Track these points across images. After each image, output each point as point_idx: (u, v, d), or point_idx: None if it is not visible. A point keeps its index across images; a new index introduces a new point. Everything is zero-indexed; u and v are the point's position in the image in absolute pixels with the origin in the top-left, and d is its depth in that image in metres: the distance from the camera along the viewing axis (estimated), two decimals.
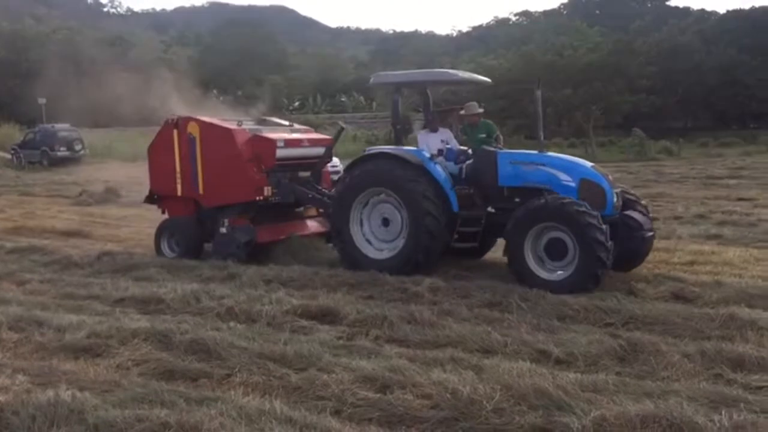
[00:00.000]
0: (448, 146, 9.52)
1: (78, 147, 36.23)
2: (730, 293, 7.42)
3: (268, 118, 12.07)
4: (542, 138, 9.07)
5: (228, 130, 10.23)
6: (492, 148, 9.15)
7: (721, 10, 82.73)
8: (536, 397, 4.65)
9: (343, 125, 10.94)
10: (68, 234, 13.46)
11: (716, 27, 57.03)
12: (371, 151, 9.64)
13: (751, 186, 19.54)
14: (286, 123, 11.66)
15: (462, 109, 9.93)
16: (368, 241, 9.30)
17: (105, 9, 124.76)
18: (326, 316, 7.04)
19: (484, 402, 4.60)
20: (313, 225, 11.07)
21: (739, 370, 5.32)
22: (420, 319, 6.73)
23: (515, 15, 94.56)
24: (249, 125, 10.77)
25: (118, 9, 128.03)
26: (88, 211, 17.44)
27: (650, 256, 9.73)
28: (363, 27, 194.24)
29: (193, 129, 10.40)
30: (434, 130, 9.79)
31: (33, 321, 6.75)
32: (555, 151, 9.97)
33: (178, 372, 5.54)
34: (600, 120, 41.42)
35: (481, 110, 9.74)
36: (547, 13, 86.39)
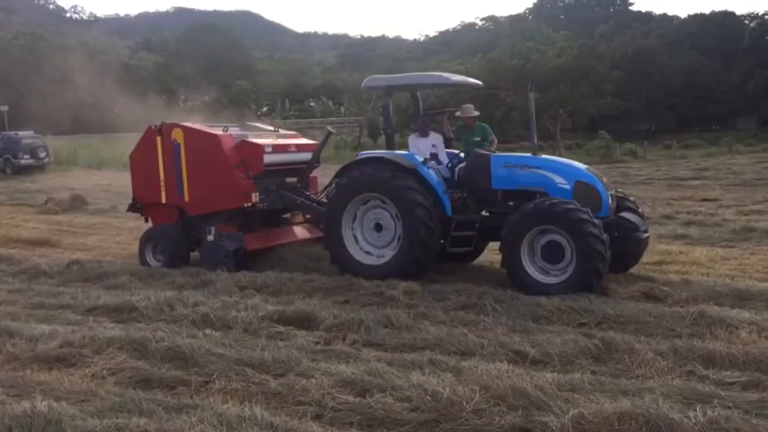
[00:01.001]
0: (434, 150, 9.49)
1: (42, 154, 35.60)
2: (699, 292, 7.57)
3: (252, 123, 11.99)
4: (535, 141, 9.04)
5: (214, 136, 10.10)
6: (485, 151, 9.08)
7: (683, 15, 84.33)
8: (515, 398, 4.71)
9: (332, 130, 10.83)
10: (35, 243, 13.22)
11: (678, 31, 58.32)
12: (363, 156, 9.51)
13: (714, 186, 19.97)
14: (272, 128, 11.55)
15: (457, 111, 9.83)
16: (360, 246, 9.14)
17: (67, 14, 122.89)
18: (303, 322, 7.01)
19: (464, 403, 4.65)
20: (300, 231, 10.95)
21: (710, 367, 5.43)
22: (396, 322, 6.76)
23: (481, 20, 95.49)
24: (235, 131, 10.63)
25: (81, 14, 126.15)
26: (54, 219, 17.15)
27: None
28: (330, 32, 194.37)
29: (177, 135, 10.24)
30: (425, 134, 9.67)
31: (4, 331, 6.63)
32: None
33: (155, 380, 5.50)
34: (566, 123, 41.94)
35: (476, 113, 9.66)
36: (512, 18, 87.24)
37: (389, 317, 6.86)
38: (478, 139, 9.47)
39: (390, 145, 9.60)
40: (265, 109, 59.51)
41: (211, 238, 9.99)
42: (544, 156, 9.02)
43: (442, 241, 8.76)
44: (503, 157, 9.02)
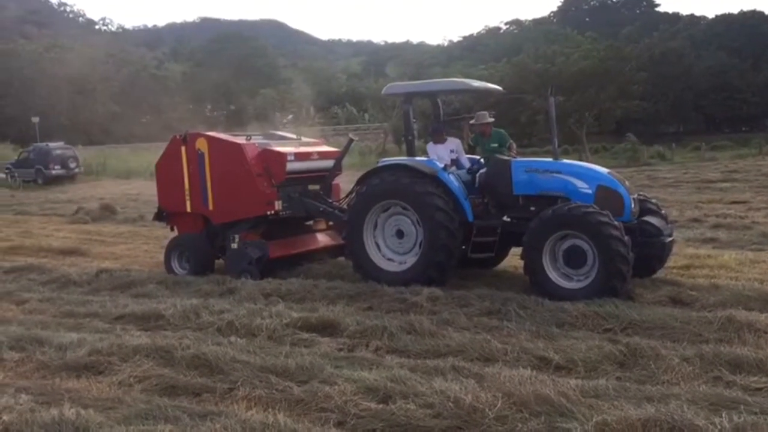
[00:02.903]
0: (453, 156, 9.50)
1: (72, 165, 36.23)
2: (727, 296, 7.48)
3: (275, 131, 12.07)
4: (557, 146, 9.02)
5: (237, 145, 10.16)
6: (506, 157, 9.04)
7: (710, 15, 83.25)
8: (538, 404, 4.69)
9: (354, 137, 10.90)
10: (65, 252, 13.43)
11: (706, 31, 57.61)
12: (384, 163, 9.52)
13: (744, 189, 19.66)
14: (294, 136, 11.62)
15: (472, 118, 9.84)
16: (382, 253, 9.16)
17: (96, 27, 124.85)
18: (326, 329, 7.05)
19: (487, 410, 4.64)
20: (323, 239, 10.99)
21: (737, 372, 5.36)
22: (420, 329, 6.75)
23: (506, 24, 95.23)
24: (258, 139, 10.69)
25: (110, 26, 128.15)
26: (84, 228, 17.42)
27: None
28: (354, 39, 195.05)
29: (201, 145, 10.33)
30: (441, 141, 9.67)
31: (34, 340, 6.76)
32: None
33: (180, 387, 5.56)
34: (593, 126, 41.60)
35: (491, 119, 9.63)
36: (537, 22, 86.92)
37: (412, 323, 6.86)
38: (496, 145, 9.46)
39: (410, 151, 9.60)
40: (290, 117, 59.85)
41: (235, 246, 10.06)
42: (565, 161, 8.98)
43: (463, 247, 8.75)
44: (524, 162, 9.01)
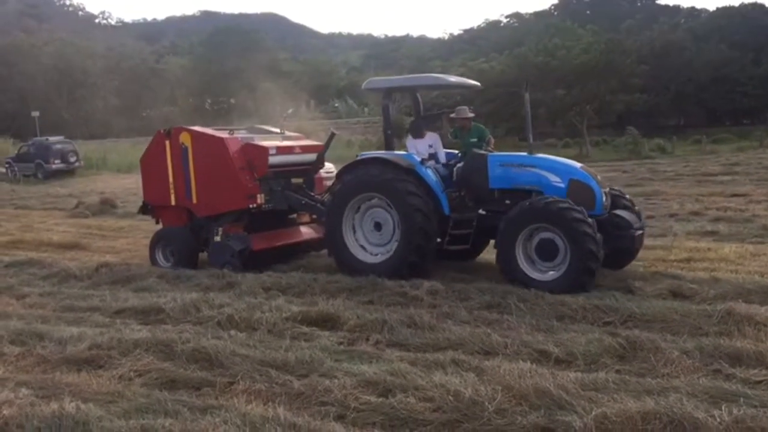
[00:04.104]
0: (431, 151, 9.68)
1: (72, 159, 36.23)
2: (727, 289, 7.49)
3: (258, 126, 12.14)
4: (531, 140, 9.16)
5: (220, 139, 10.28)
6: (482, 151, 9.24)
7: (711, 8, 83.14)
8: (538, 397, 4.69)
9: (335, 131, 11.04)
10: (66, 246, 13.45)
11: (707, 24, 57.37)
12: (363, 157, 9.67)
13: (744, 182, 19.61)
14: (277, 130, 11.73)
15: (452, 113, 10.01)
16: (361, 245, 9.35)
17: (96, 20, 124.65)
18: (326, 322, 7.06)
19: (486, 403, 4.64)
20: (307, 231, 11.14)
21: (737, 365, 5.36)
22: (420, 322, 6.75)
23: (506, 17, 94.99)
24: (241, 134, 10.84)
25: (109, 20, 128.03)
26: (84, 223, 17.42)
27: (647, 254, 9.80)
28: (355, 32, 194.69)
29: (185, 139, 10.47)
30: (420, 136, 9.81)
31: (34, 334, 6.78)
32: (550, 152, 10.04)
33: (180, 381, 5.57)
34: (594, 119, 41.54)
35: (471, 114, 9.81)
36: (538, 15, 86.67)
37: (412, 317, 6.86)
38: (475, 139, 9.64)
39: (389, 145, 9.78)
40: (290, 110, 59.78)
41: (218, 238, 10.25)
42: (539, 155, 9.14)
43: (440, 239, 8.92)
44: (500, 156, 9.19)
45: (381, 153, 9.69)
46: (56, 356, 6.22)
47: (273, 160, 10.27)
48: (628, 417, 4.27)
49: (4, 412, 4.74)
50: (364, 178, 9.20)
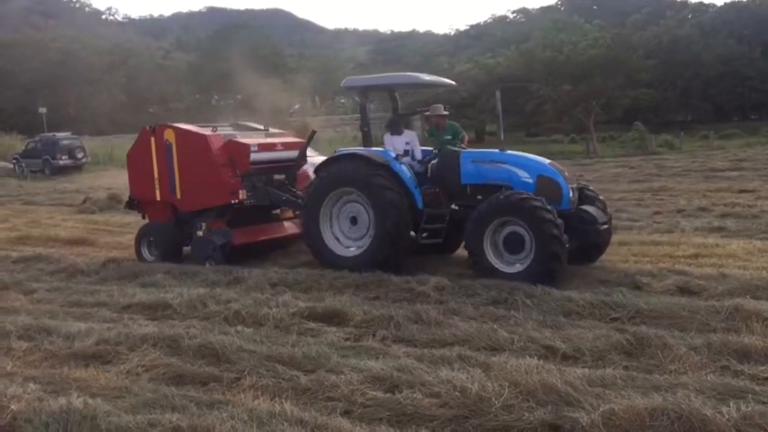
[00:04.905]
0: (408, 147, 9.89)
1: (80, 155, 36.34)
2: (735, 285, 7.45)
3: (243, 123, 12.36)
4: (502, 138, 9.54)
5: (203, 136, 10.52)
6: (455, 148, 9.51)
7: (719, 2, 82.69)
8: (544, 393, 4.68)
9: (315, 129, 11.31)
10: (73, 242, 13.50)
11: (714, 19, 57.08)
12: (340, 153, 9.94)
13: (753, 178, 19.52)
14: (261, 127, 11.96)
15: (428, 111, 10.30)
16: (338, 239, 9.61)
17: (103, 17, 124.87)
18: (333, 318, 7.06)
19: (493, 399, 4.63)
20: (289, 227, 11.36)
21: (745, 362, 5.34)
22: (426, 318, 6.76)
23: (513, 12, 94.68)
24: (224, 131, 11.08)
25: (116, 16, 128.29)
26: (91, 218, 17.47)
27: (654, 250, 9.77)
28: (361, 28, 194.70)
29: (169, 135, 10.72)
30: (398, 133, 10.03)
31: (42, 329, 6.80)
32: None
33: (187, 376, 5.58)
34: (600, 115, 41.37)
35: (446, 112, 10.11)
36: (544, 10, 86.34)
37: (419, 313, 6.86)
38: (449, 137, 9.97)
39: (366, 142, 10.08)
40: (297, 106, 59.73)
41: (200, 233, 10.50)
42: (509, 151, 9.36)
43: (414, 234, 9.17)
44: (471, 153, 9.46)
45: (357, 149, 10.01)
46: (64, 351, 6.25)
47: (255, 156, 10.49)
48: (635, 413, 4.26)
49: (13, 407, 4.75)
50: (341, 174, 9.47)
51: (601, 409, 4.35)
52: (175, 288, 8.51)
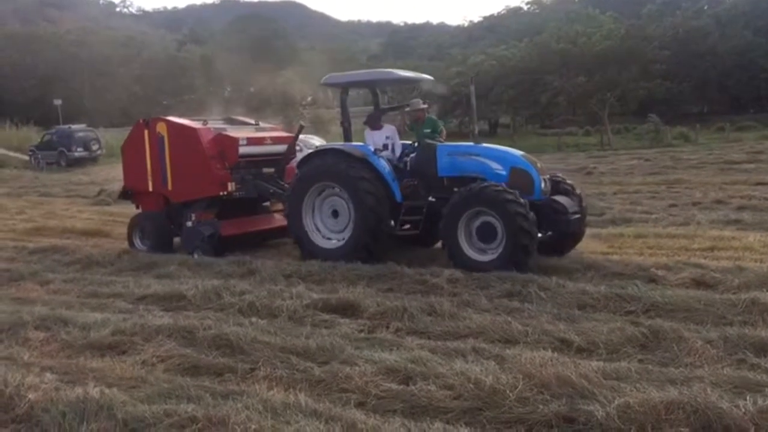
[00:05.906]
0: (387, 142, 10.11)
1: (95, 147, 36.59)
2: (752, 278, 7.38)
3: (234, 117, 12.57)
4: (476, 131, 9.79)
5: (193, 129, 10.81)
6: (433, 142, 9.70)
7: None
8: (559, 386, 4.66)
9: (303, 123, 11.53)
10: (89, 233, 13.61)
11: (730, 10, 56.32)
12: (321, 147, 10.19)
13: None
14: (252, 122, 12.21)
15: (407, 106, 10.50)
16: (320, 231, 9.92)
17: (117, 9, 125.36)
18: (347, 310, 7.07)
19: (507, 391, 4.62)
20: (278, 219, 11.52)
21: (762, 355, 5.29)
22: (440, 310, 6.75)
23: (527, 4, 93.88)
24: (215, 124, 11.35)
25: (130, 9, 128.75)
26: (107, 210, 17.61)
27: (669, 243, 9.70)
28: (374, 20, 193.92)
29: (161, 128, 11.02)
30: (378, 128, 10.23)
31: (58, 320, 6.85)
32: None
33: (202, 367, 5.61)
34: (615, 107, 41.10)
35: (424, 106, 10.28)
36: (558, 1, 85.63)
37: (433, 305, 6.85)
38: (429, 130, 10.11)
39: (347, 137, 10.35)
40: (309, 98, 59.73)
41: (190, 224, 10.74)
42: (483, 144, 9.58)
43: (393, 224, 9.39)
44: (447, 146, 9.69)
45: (337, 144, 10.27)
46: (80, 342, 6.29)
47: (243, 150, 10.74)
48: (651, 406, 4.23)
49: (30, 396, 4.79)
50: (321, 168, 9.74)
51: (616, 402, 4.32)
52: (190, 279, 8.56)
